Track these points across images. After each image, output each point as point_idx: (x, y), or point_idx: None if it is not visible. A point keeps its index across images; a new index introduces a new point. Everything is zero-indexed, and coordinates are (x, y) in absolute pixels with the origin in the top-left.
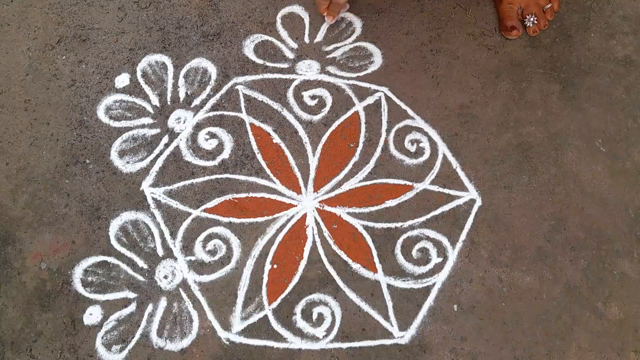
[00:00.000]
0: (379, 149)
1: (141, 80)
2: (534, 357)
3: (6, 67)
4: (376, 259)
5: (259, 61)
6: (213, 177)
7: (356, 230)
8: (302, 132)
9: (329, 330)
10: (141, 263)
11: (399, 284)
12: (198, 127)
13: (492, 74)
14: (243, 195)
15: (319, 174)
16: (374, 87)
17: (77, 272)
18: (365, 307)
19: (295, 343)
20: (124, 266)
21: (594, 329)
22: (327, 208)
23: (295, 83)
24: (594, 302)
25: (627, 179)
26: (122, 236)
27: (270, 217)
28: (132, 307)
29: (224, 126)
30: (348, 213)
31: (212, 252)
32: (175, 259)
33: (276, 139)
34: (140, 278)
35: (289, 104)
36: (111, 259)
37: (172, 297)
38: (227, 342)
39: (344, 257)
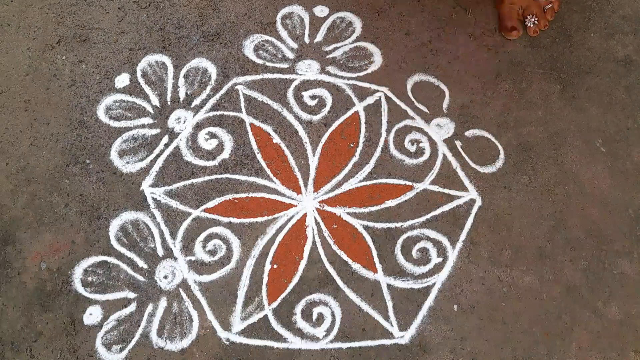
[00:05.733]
0: (379, 149)
1: (141, 80)
2: (534, 357)
3: (6, 67)
4: (376, 259)
5: (259, 61)
6: (213, 177)
7: (356, 230)
8: (302, 132)
9: (329, 330)
10: (141, 263)
11: (399, 284)
12: (198, 127)
13: (492, 74)
14: (243, 195)
15: (319, 174)
16: (374, 87)
17: (77, 272)
18: (365, 307)
19: (295, 343)
20: (124, 266)
21: (594, 329)
22: (327, 208)
23: (295, 83)
24: (594, 302)
25: (627, 179)
26: (122, 236)
27: (270, 217)
28: (132, 307)
29: (224, 126)
30: (348, 213)
31: (212, 252)
32: (175, 259)
33: (276, 139)
34: (140, 278)
35: (289, 104)
36: (111, 259)
37: (172, 297)
38: (227, 342)
39: (344, 257)
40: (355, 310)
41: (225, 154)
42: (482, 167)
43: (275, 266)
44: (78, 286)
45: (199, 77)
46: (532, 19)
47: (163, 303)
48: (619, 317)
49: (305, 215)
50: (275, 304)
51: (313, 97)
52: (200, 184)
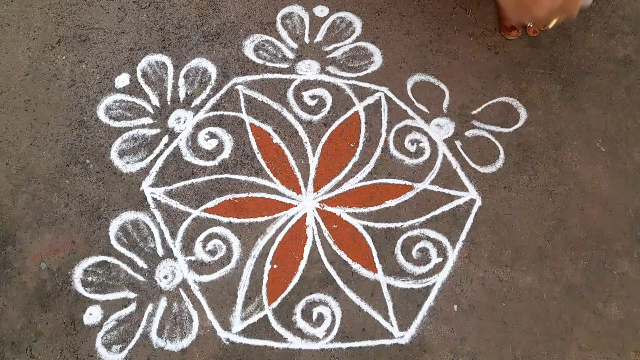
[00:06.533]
0: (379, 149)
1: (141, 80)
2: (534, 357)
3: (6, 67)
4: (376, 259)
5: (259, 61)
6: (213, 177)
7: (356, 230)
8: (302, 132)
9: (329, 330)
10: (141, 263)
11: (399, 284)
12: (198, 127)
13: (492, 74)
14: (243, 195)
15: (319, 174)
16: (374, 87)
17: (77, 272)
18: (365, 307)
19: (295, 343)
20: (124, 266)
21: (594, 329)
22: (327, 208)
23: (295, 83)
24: (594, 302)
25: (627, 179)
26: (122, 236)
27: (270, 217)
28: (132, 307)
29: (224, 126)
30: (348, 213)
31: (212, 252)
32: (175, 259)
33: (276, 139)
34: (140, 278)
35: (289, 104)
36: (111, 259)
37: (172, 297)
38: (227, 342)
39: (344, 257)
40: (355, 310)
41: (225, 154)
42: (482, 167)
43: (275, 266)
44: (78, 286)
45: (199, 77)
46: None
47: (163, 303)
48: (619, 317)
49: (305, 215)
50: (275, 304)
51: (313, 97)
52: (200, 184)
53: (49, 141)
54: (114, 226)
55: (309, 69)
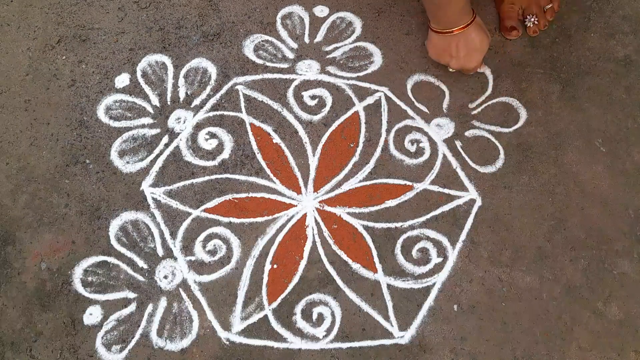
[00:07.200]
0: (379, 149)
1: (141, 80)
2: (534, 357)
3: (6, 67)
4: (376, 259)
5: (259, 61)
6: (213, 177)
7: (356, 230)
8: (302, 132)
9: (329, 330)
10: (141, 263)
11: (399, 284)
12: (198, 127)
13: (492, 74)
14: (243, 195)
15: (319, 174)
16: (374, 87)
17: (77, 272)
18: (365, 307)
19: (295, 343)
20: (124, 266)
21: (594, 329)
22: (327, 208)
23: (295, 83)
24: (594, 302)
25: (627, 179)
26: (122, 236)
27: (270, 217)
28: (132, 307)
29: (224, 126)
30: (348, 213)
31: (212, 252)
32: (175, 259)
33: (276, 139)
34: (140, 278)
35: (289, 104)
36: (111, 259)
37: (172, 297)
38: (227, 342)
39: (344, 257)
40: (355, 310)
41: (225, 154)
42: (482, 167)
43: (275, 266)
44: (78, 286)
45: (199, 77)
46: (532, 19)
47: (163, 303)
48: (619, 317)
49: (305, 215)
50: (275, 304)
51: (313, 97)
52: (200, 184)
53: (49, 141)
54: (114, 226)
55: (309, 69)
